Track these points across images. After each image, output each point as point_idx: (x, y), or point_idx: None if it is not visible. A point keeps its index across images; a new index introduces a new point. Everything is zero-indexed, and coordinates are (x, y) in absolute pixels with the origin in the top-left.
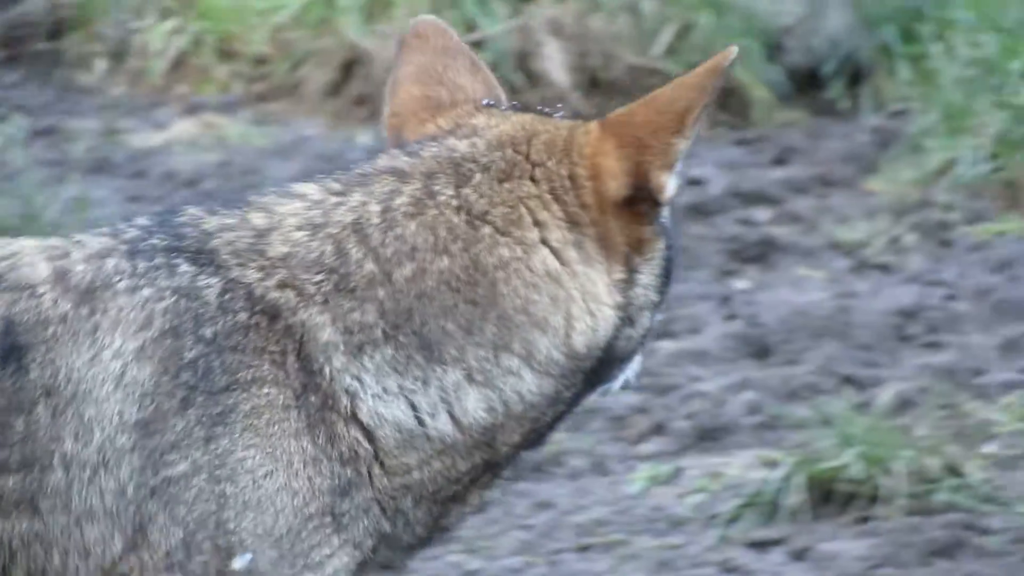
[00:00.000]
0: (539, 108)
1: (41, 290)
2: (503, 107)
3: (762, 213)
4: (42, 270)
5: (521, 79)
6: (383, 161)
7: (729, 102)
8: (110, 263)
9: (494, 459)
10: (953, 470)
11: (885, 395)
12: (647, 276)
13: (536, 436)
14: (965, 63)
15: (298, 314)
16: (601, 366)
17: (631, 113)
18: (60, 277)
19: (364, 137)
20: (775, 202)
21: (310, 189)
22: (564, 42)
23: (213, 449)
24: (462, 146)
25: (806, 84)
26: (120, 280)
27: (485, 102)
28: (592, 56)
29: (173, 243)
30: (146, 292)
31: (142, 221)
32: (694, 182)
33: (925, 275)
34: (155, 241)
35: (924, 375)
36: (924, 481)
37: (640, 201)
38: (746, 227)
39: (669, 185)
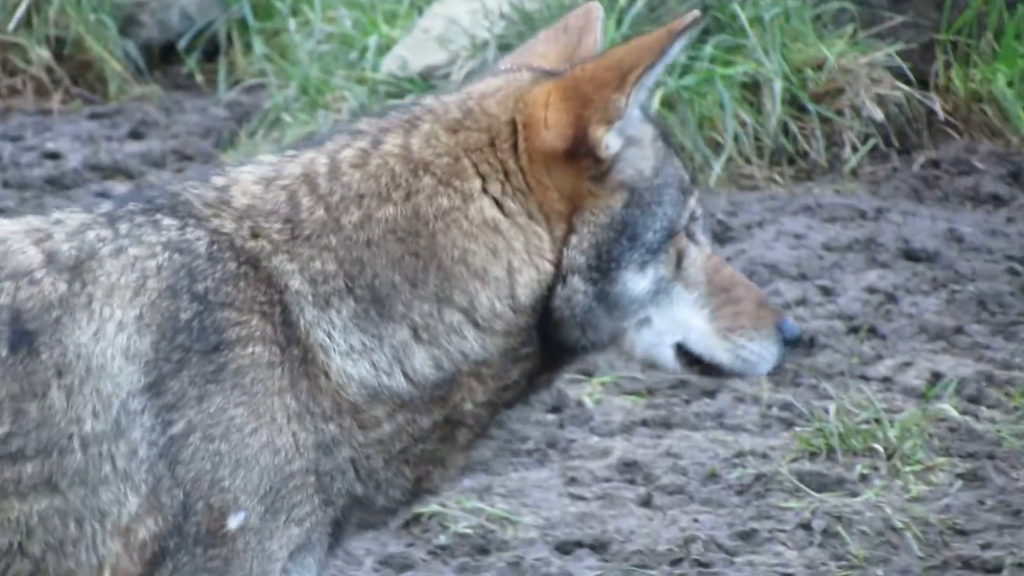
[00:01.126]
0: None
1: (39, 275)
2: (544, 70)
3: (120, 187)
4: (33, 254)
5: None
6: (349, 125)
7: (84, 76)
8: (91, 234)
9: (457, 416)
10: None
11: None
12: (585, 238)
13: (511, 395)
14: (321, 38)
15: (272, 261)
16: (556, 327)
17: (583, 68)
18: (51, 258)
19: None
20: (132, 176)
21: (268, 156)
22: None
23: (206, 408)
24: (431, 101)
25: (162, 59)
26: (104, 247)
27: (505, 67)
28: None
29: (148, 205)
30: (134, 251)
31: (111, 200)
32: (51, 156)
33: None
34: (131, 207)
35: None
36: None
37: (581, 155)
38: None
39: (607, 140)
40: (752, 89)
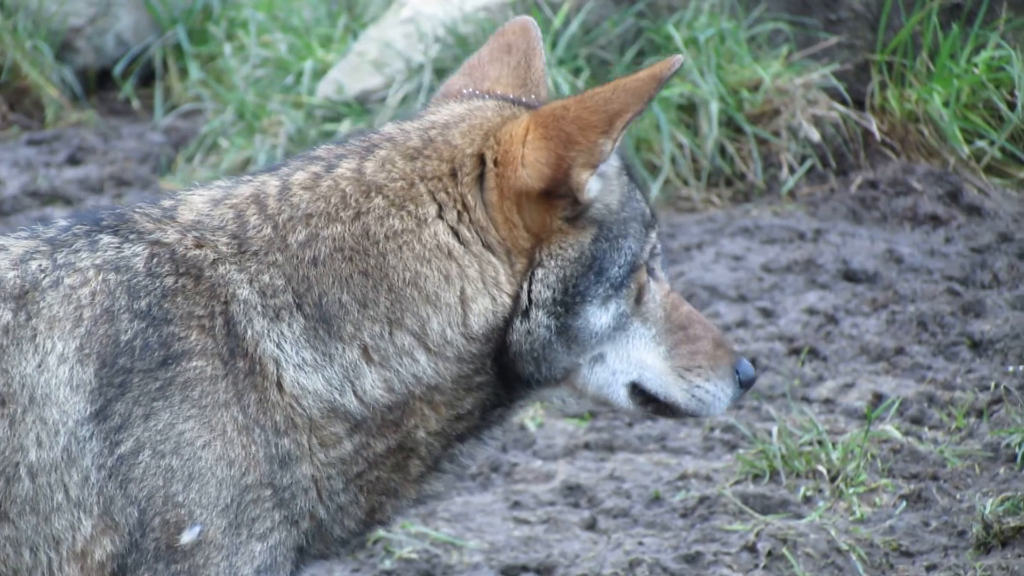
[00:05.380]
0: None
1: None
2: (512, 99)
3: (59, 213)
4: None
5: None
6: (307, 152)
7: (21, 102)
8: (33, 264)
9: (410, 444)
10: None
11: None
12: (552, 271)
13: (464, 426)
14: (257, 63)
15: (218, 269)
16: (512, 359)
17: (564, 108)
18: None
19: None
20: (71, 201)
21: (223, 181)
22: None
23: (153, 425)
24: (392, 129)
25: (98, 84)
26: (45, 278)
27: (466, 91)
28: None
29: (92, 226)
30: (68, 280)
31: (61, 221)
32: None
33: None
34: (75, 230)
35: None
36: None
37: (558, 196)
38: None
39: (590, 183)
40: (688, 111)
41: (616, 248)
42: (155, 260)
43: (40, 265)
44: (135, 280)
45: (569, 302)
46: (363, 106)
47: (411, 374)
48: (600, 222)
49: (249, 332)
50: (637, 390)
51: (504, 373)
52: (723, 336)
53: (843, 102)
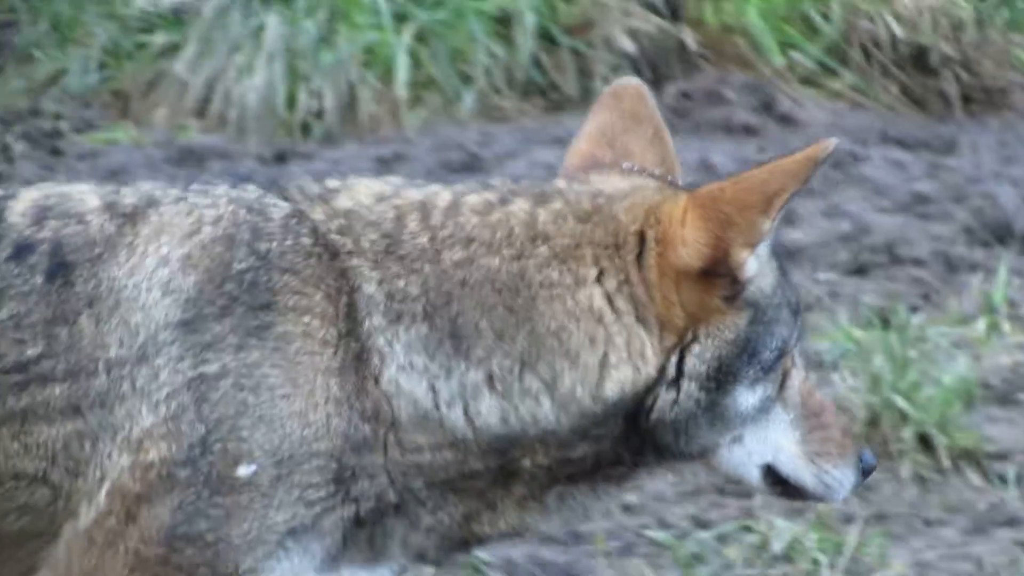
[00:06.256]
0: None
1: (89, 217)
2: (666, 179)
3: None
4: (92, 201)
5: None
6: (483, 180)
7: None
8: (159, 191)
9: (512, 468)
10: None
11: None
12: (708, 348)
13: (573, 470)
14: None
15: (353, 260)
16: (652, 427)
17: (721, 189)
18: (109, 206)
19: None
20: None
21: (395, 178)
22: None
23: (243, 358)
24: (561, 184)
25: None
26: (166, 199)
27: (627, 166)
28: None
29: (238, 184)
30: (195, 200)
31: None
32: None
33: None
34: (220, 186)
35: None
36: None
37: (717, 275)
38: None
39: (749, 263)
40: (504, 22)
41: (769, 332)
42: (294, 220)
43: (167, 192)
44: (265, 225)
45: (721, 379)
46: (178, 18)
47: (531, 414)
48: (755, 305)
49: (367, 323)
50: (770, 472)
51: (634, 439)
52: (849, 424)
53: (659, 14)
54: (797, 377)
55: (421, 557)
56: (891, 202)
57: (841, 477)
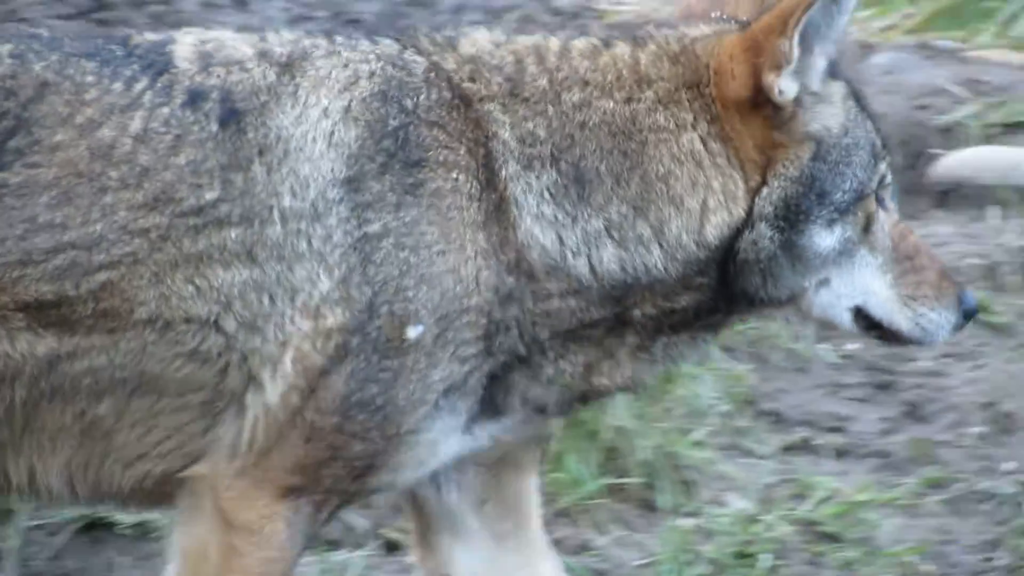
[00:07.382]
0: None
1: (250, 64)
2: (743, 22)
3: None
4: (246, 50)
5: None
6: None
7: None
8: (306, 41)
9: (627, 319)
10: None
11: None
12: (775, 189)
13: (677, 319)
14: None
15: (485, 106)
16: (739, 270)
17: (760, 21)
18: (263, 54)
19: None
20: None
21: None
22: None
23: (402, 216)
24: (652, 29)
25: None
26: (317, 51)
27: (715, 15)
28: None
29: (372, 36)
30: (347, 55)
31: None
32: None
33: None
34: (354, 36)
35: None
36: None
37: (763, 103)
38: None
39: (778, 84)
40: None
41: (838, 173)
42: (433, 74)
43: (313, 43)
44: (412, 81)
45: (792, 218)
46: None
47: (642, 263)
48: (819, 141)
49: (504, 172)
50: (861, 315)
51: (728, 284)
52: (948, 267)
53: None
54: (887, 221)
55: (541, 410)
56: None
57: (939, 319)
